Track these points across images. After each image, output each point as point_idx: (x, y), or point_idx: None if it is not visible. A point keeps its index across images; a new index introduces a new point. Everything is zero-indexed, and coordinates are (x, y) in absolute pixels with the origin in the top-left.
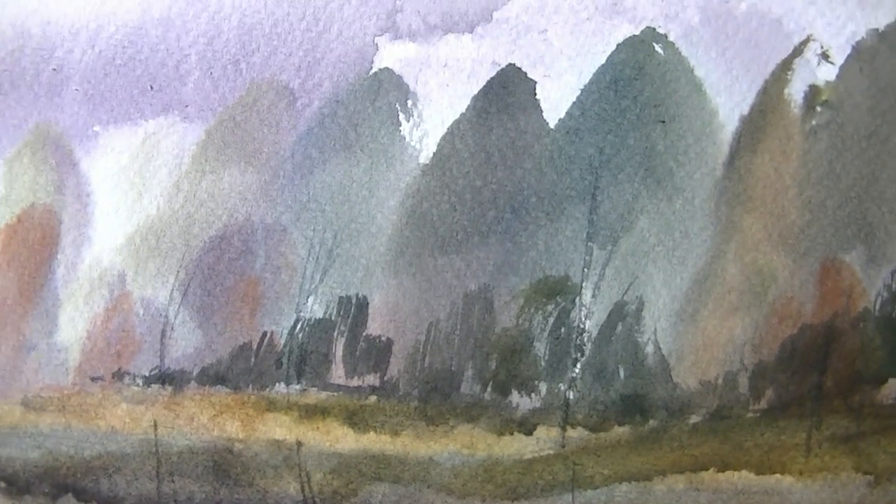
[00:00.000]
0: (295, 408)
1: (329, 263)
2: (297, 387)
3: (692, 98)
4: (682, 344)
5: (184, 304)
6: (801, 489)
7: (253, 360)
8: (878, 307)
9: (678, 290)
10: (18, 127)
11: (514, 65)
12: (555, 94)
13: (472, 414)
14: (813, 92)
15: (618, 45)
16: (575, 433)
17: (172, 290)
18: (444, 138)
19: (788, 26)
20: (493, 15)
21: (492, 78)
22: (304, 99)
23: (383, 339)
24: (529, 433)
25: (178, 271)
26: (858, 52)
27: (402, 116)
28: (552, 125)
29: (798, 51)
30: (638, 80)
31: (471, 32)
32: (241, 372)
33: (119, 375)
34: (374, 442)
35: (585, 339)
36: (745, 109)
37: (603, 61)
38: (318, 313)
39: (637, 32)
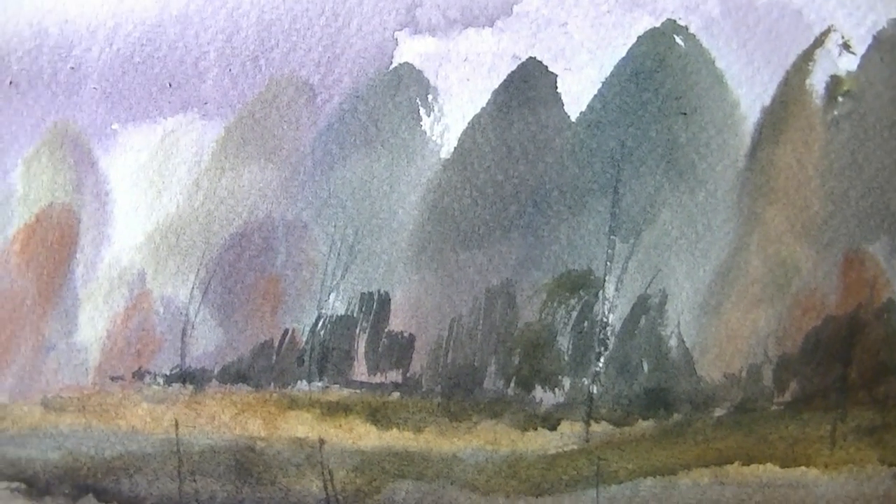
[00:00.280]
0: (317, 405)
1: (350, 260)
2: (319, 384)
3: (714, 90)
4: (705, 337)
5: (204, 302)
6: (827, 482)
7: (274, 357)
8: None
9: (701, 283)
10: (36, 126)
11: (535, 58)
12: (576, 88)
13: (495, 410)
14: (834, 82)
15: (638, 38)
16: (599, 428)
17: (193, 288)
18: (464, 133)
19: (809, 17)
20: (514, 8)
21: (512, 72)
22: (324, 95)
23: (405, 335)
24: (553, 428)
25: (198, 269)
26: (879, 42)
27: (422, 111)
28: (573, 118)
29: (819, 41)
30: (659, 72)
31: (491, 26)
32: (263, 370)
33: (139, 375)
34: (396, 439)
35: (609, 333)
36: (767, 101)
37: (624, 54)
38: (340, 310)
39: (658, 25)
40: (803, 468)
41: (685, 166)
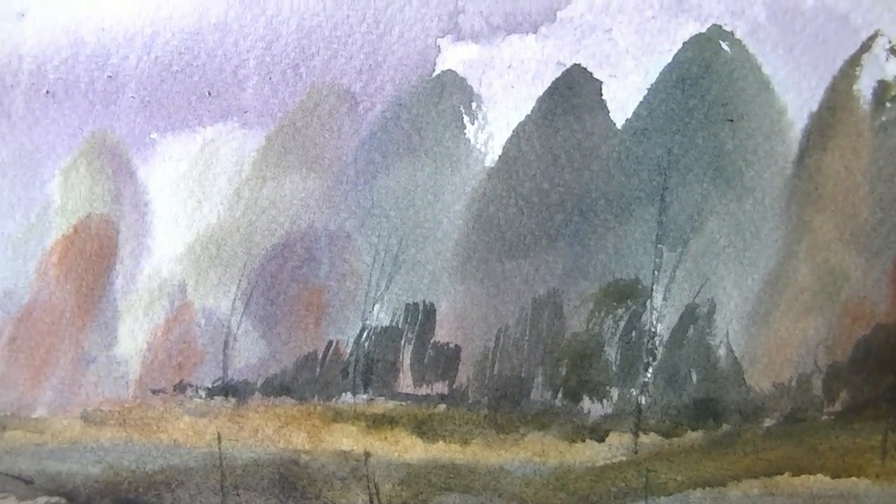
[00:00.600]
0: (362, 418)
1: (395, 270)
2: (364, 396)
3: (760, 96)
4: (754, 346)
5: (246, 313)
6: (878, 492)
7: (318, 369)
8: None
9: (750, 292)
10: (74, 136)
11: (580, 65)
12: (621, 95)
13: (542, 421)
14: (882, 88)
15: (684, 44)
16: (647, 439)
17: (235, 299)
18: (509, 141)
19: (856, 21)
20: (557, 14)
21: (557, 79)
22: (366, 103)
23: (451, 346)
24: (601, 440)
25: (240, 280)
26: None
27: (466, 119)
28: (619, 126)
29: (866, 46)
30: (705, 78)
31: (535, 33)
32: (307, 382)
33: (181, 388)
34: (443, 451)
35: (657, 343)
36: (814, 106)
37: (669, 60)
38: (385, 321)
39: (703, 30)
40: (854, 479)
41: (732, 173)
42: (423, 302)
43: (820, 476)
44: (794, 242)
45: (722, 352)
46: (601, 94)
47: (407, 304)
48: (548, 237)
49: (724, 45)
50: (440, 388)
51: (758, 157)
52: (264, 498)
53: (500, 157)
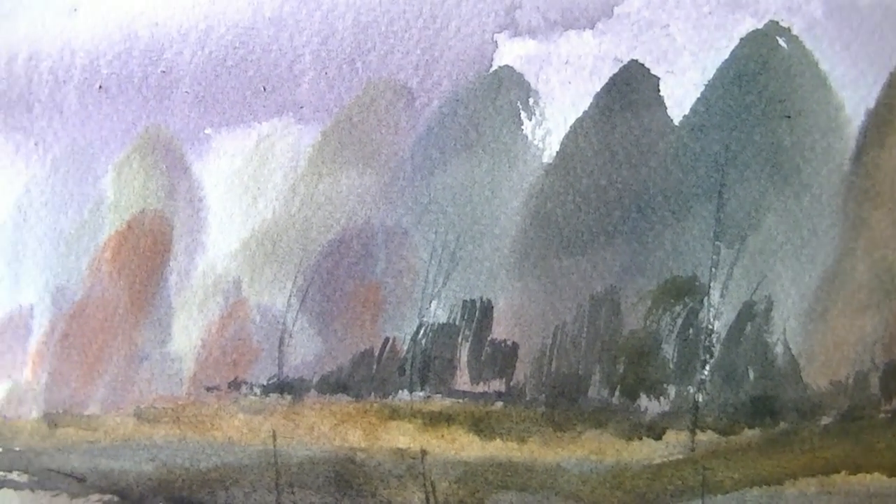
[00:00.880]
0: (419, 415)
1: (452, 266)
2: (421, 394)
3: (818, 92)
4: (811, 344)
5: (302, 310)
6: None
7: (375, 367)
8: None
9: (807, 289)
10: (127, 131)
11: (637, 61)
12: (678, 91)
13: (599, 419)
14: None
15: (741, 40)
16: (704, 437)
17: (290, 296)
18: (567, 137)
19: None
20: (614, 10)
21: (614, 75)
22: (423, 98)
23: (509, 343)
24: (658, 438)
25: (295, 277)
26: None
27: (523, 115)
28: (676, 122)
29: None
30: (762, 74)
31: (592, 28)
32: (363, 379)
33: (236, 385)
34: (500, 449)
35: (714, 341)
36: (871, 103)
37: (726, 56)
38: (442, 318)
39: (760, 26)
40: None
41: (790, 170)
42: (481, 299)
43: (877, 475)
44: (852, 239)
45: (779, 349)
46: (659, 91)
47: (464, 301)
48: (605, 234)
49: (781, 42)
50: (497, 385)
51: (815, 153)
52: (319, 496)
53: (557, 153)
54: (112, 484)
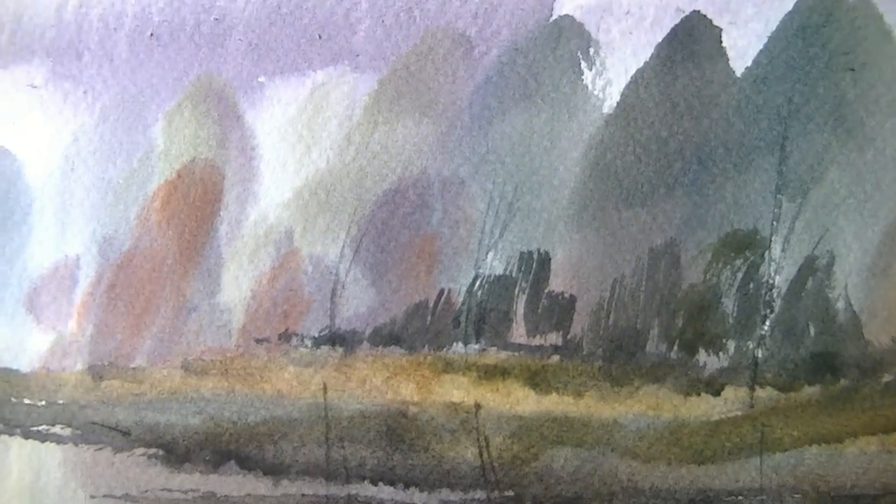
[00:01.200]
0: (473, 369)
1: (509, 217)
2: (476, 346)
3: (882, 46)
4: (873, 300)
5: (355, 261)
6: None
7: (429, 319)
8: None
9: (870, 244)
10: (179, 80)
11: (699, 12)
12: (741, 42)
13: (657, 374)
14: None
15: None
16: (763, 393)
17: (343, 246)
18: (627, 88)
19: None
20: None
21: (676, 25)
22: (482, 47)
23: (566, 296)
24: (717, 394)
25: (349, 227)
26: None
27: (584, 65)
28: (739, 74)
29: None
30: (826, 27)
31: None
32: (417, 332)
33: (286, 337)
34: (556, 404)
35: (775, 296)
36: None
37: (790, 7)
38: (498, 269)
39: None
40: None
41: (853, 123)
42: (538, 250)
43: None
44: None
45: (840, 305)
46: (721, 42)
47: (521, 253)
48: (666, 186)
49: None
50: (554, 338)
51: (879, 107)
52: (370, 450)
53: (617, 103)
54: (157, 438)
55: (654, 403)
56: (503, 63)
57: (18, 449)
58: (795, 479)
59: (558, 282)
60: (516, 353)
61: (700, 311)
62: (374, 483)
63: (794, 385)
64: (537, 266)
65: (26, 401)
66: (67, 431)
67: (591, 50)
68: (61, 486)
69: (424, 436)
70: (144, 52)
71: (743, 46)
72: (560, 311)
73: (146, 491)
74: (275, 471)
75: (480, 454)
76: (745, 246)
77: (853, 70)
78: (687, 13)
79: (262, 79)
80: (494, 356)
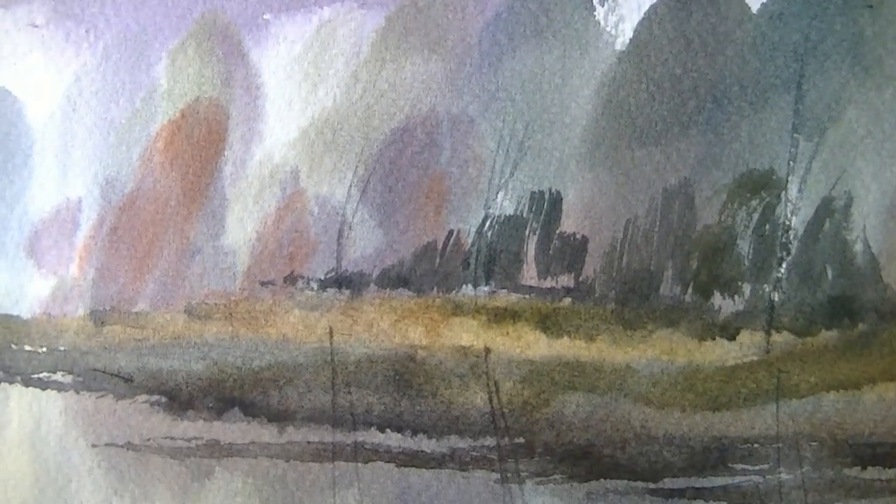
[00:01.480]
0: (483, 311)
1: (520, 157)
2: (486, 289)
3: None
4: (892, 242)
5: (363, 201)
6: None
7: (438, 260)
8: None
9: (888, 185)
10: (183, 17)
11: None
12: None
13: (671, 318)
14: None
15: None
16: (780, 338)
17: (350, 186)
18: (640, 24)
19: None
20: None
21: None
22: None
23: (578, 237)
24: (732, 338)
25: (356, 167)
26: None
27: (595, 1)
28: (754, 10)
29: None
30: None
31: None
32: (425, 274)
33: (292, 279)
34: (567, 348)
35: (791, 237)
36: None
37: None
38: (509, 210)
39: None
40: None
41: (871, 61)
42: (549, 190)
43: None
44: None
45: (859, 247)
46: None
47: (532, 193)
48: (680, 124)
49: None
50: (565, 281)
51: None
52: (377, 396)
53: (630, 40)
54: (160, 384)
55: (668, 348)
56: None
57: (19, 397)
58: (812, 426)
59: (570, 222)
60: (527, 296)
61: (715, 253)
62: (381, 430)
63: (811, 329)
64: (548, 206)
65: (27, 347)
66: (69, 379)
67: None
68: (62, 434)
69: (433, 381)
70: None
71: None
72: (572, 252)
73: (148, 439)
74: (280, 417)
75: (490, 400)
76: (761, 186)
77: (871, 6)
78: None
79: (267, 16)
80: (505, 299)
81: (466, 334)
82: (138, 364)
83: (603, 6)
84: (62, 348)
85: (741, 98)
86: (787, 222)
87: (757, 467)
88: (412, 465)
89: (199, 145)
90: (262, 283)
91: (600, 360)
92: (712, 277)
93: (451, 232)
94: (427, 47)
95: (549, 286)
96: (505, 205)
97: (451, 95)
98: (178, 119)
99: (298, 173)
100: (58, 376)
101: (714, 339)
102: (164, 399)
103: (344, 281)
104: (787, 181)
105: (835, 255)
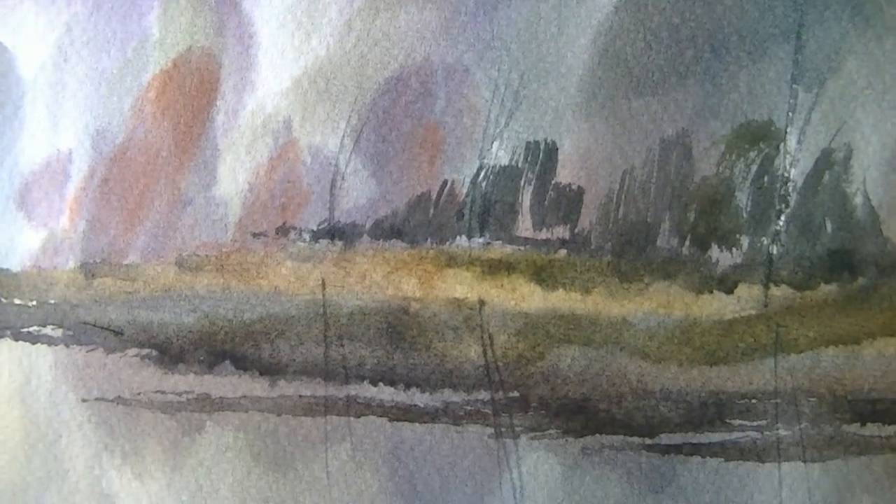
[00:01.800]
0: (477, 263)
1: (515, 106)
2: (480, 240)
3: None
4: (892, 195)
5: (356, 151)
6: None
7: (432, 211)
8: None
9: (889, 137)
10: None
11: None
12: None
13: (668, 270)
14: None
15: None
16: (778, 291)
17: (343, 136)
18: None
19: None
20: None
21: None
22: None
23: (574, 187)
24: (730, 291)
25: (349, 116)
26: None
27: None
28: None
29: None
30: None
31: None
32: (419, 224)
33: (284, 231)
34: (562, 300)
35: (790, 189)
36: None
37: None
38: (504, 160)
39: None
40: None
41: (872, 11)
42: (545, 140)
43: None
44: None
45: (858, 200)
46: None
47: (527, 143)
48: (677, 74)
49: None
50: (561, 232)
51: None
52: (370, 349)
53: None
54: (151, 337)
55: (665, 301)
56: None
57: (8, 351)
58: (811, 381)
59: (566, 173)
60: (522, 248)
61: (713, 205)
62: (374, 383)
63: (810, 283)
64: (544, 156)
65: (17, 301)
66: (59, 332)
67: None
68: (52, 388)
69: (426, 333)
70: None
71: None
72: (567, 203)
73: (139, 393)
74: (271, 371)
75: (484, 353)
76: (759, 137)
77: None
78: None
79: None
80: (499, 250)
81: (460, 286)
82: (129, 317)
83: None
84: (52, 301)
85: (740, 48)
86: (786, 174)
87: (755, 423)
88: (405, 420)
89: (191, 95)
90: (254, 235)
91: (596, 312)
92: (710, 230)
93: (445, 182)
94: None
95: (544, 238)
96: (500, 155)
97: (446, 44)
98: (170, 69)
99: (291, 123)
100: (48, 330)
101: (712, 292)
102: (154, 353)
103: (337, 232)
104: (787, 132)
105: (834, 208)
